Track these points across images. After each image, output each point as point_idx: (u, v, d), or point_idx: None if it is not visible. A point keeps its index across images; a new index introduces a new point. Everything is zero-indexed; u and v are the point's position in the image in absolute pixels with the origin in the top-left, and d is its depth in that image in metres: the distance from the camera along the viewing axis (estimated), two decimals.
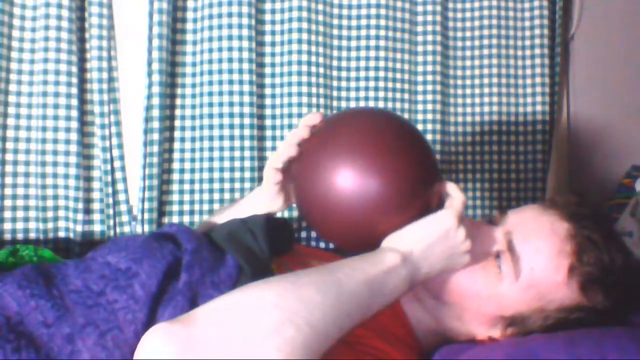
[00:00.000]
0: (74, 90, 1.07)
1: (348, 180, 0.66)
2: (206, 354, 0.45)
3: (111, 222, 1.09)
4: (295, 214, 1.16)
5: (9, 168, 1.06)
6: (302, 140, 0.72)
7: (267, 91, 1.17)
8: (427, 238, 0.64)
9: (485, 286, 0.70)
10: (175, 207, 1.13)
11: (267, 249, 0.70)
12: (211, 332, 0.47)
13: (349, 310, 0.54)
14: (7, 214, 1.06)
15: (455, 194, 0.69)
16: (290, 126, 1.16)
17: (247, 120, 1.12)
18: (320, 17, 1.17)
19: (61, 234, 1.08)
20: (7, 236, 1.06)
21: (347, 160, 0.67)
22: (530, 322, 0.71)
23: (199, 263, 0.65)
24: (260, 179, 1.03)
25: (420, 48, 1.22)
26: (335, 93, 1.19)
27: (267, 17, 1.17)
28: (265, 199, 0.79)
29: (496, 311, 0.71)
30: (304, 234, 1.17)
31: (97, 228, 1.10)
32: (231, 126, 1.12)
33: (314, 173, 0.69)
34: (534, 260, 0.69)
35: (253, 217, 0.75)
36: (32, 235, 1.07)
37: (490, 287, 0.70)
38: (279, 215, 1.09)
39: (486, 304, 0.71)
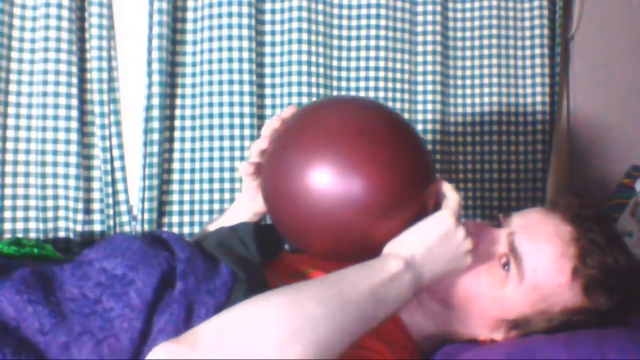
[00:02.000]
0: (74, 90, 1.07)
1: (323, 180, 0.58)
2: None
3: (111, 222, 1.09)
4: None
5: (9, 168, 1.06)
6: (273, 131, 0.68)
7: (267, 91, 1.17)
8: (427, 241, 0.62)
9: (490, 289, 0.70)
10: (175, 207, 1.13)
11: (257, 256, 0.70)
12: (215, 354, 0.46)
13: (353, 323, 0.53)
14: (7, 214, 1.06)
15: (450, 194, 0.67)
16: None
17: (247, 120, 1.12)
18: (320, 17, 1.17)
19: (61, 234, 1.08)
20: (7, 236, 1.06)
21: (322, 155, 0.59)
22: (533, 324, 0.70)
23: (193, 272, 0.64)
24: None
25: (420, 48, 1.22)
26: (335, 93, 1.19)
27: (267, 17, 1.17)
28: (245, 199, 0.78)
29: (500, 314, 0.71)
30: None
31: (97, 228, 1.10)
32: (231, 126, 1.12)
33: (280, 170, 0.61)
34: (537, 262, 0.69)
35: (241, 224, 0.75)
36: (32, 235, 1.07)
37: (495, 290, 0.70)
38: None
39: (490, 306, 0.70)
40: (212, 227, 0.83)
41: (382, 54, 1.18)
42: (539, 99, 1.24)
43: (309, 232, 0.62)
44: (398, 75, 1.20)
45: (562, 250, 0.69)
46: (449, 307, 0.72)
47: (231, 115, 1.12)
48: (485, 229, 0.73)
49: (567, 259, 0.69)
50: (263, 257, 0.71)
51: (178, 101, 1.14)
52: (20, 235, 1.07)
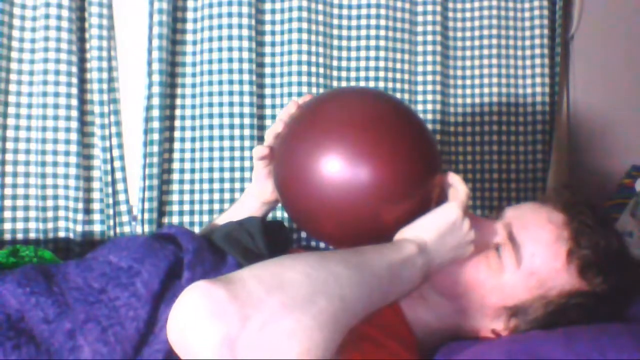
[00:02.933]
0: (74, 90, 1.07)
1: (333, 167, 0.62)
2: (246, 318, 0.44)
3: (111, 222, 1.09)
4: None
5: (9, 168, 1.06)
6: (289, 116, 0.71)
7: (267, 91, 1.17)
8: (437, 230, 0.65)
9: (489, 277, 0.71)
10: (175, 207, 1.13)
11: (265, 249, 0.71)
12: (251, 299, 0.46)
13: (372, 290, 0.55)
14: (7, 214, 1.06)
15: (459, 186, 0.70)
16: None
17: (247, 120, 1.13)
18: (320, 17, 1.17)
19: (61, 234, 1.08)
20: (7, 236, 1.06)
21: (333, 144, 0.62)
22: (531, 311, 0.72)
23: (200, 262, 0.65)
24: None
25: (420, 48, 1.22)
26: None
27: (267, 17, 1.17)
28: (255, 188, 0.80)
29: (500, 302, 0.72)
30: (304, 234, 1.17)
31: (97, 228, 1.10)
32: (231, 126, 1.12)
33: (293, 155, 0.64)
34: (534, 248, 0.71)
35: (249, 219, 0.77)
36: (32, 235, 1.07)
37: (494, 278, 0.71)
38: (275, 214, 1.09)
39: (490, 294, 0.72)
40: (221, 219, 0.84)
41: (382, 54, 1.18)
42: (539, 98, 1.24)
43: (319, 215, 0.64)
44: (398, 75, 1.20)
45: (556, 234, 0.71)
46: (450, 298, 0.73)
47: (231, 115, 1.12)
48: (481, 221, 0.74)
49: (562, 243, 0.71)
50: (270, 251, 0.72)
51: (178, 101, 1.14)
52: (20, 235, 1.07)
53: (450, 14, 1.25)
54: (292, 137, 0.67)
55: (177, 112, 1.14)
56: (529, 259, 0.71)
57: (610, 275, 0.70)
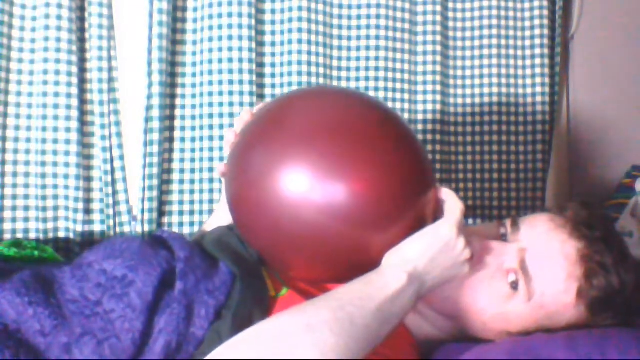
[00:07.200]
0: (74, 90, 1.07)
1: (294, 185, 0.48)
2: None
3: (111, 222, 1.09)
4: None
5: (9, 168, 1.06)
6: (243, 124, 0.64)
7: (267, 91, 1.17)
8: (428, 252, 0.61)
9: (494, 303, 0.69)
10: (175, 207, 1.13)
11: (255, 253, 0.69)
12: None
13: (361, 345, 0.53)
14: (7, 214, 1.06)
15: (453, 202, 0.64)
16: None
17: None
18: (320, 17, 1.17)
19: (61, 234, 1.08)
20: (7, 236, 1.06)
21: (294, 155, 0.49)
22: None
23: (192, 271, 0.65)
24: None
25: (420, 48, 1.22)
26: None
27: (267, 17, 1.17)
28: (224, 201, 0.78)
29: (502, 327, 0.70)
30: None
31: (97, 228, 1.10)
32: (231, 126, 1.12)
33: (245, 171, 0.53)
34: (545, 283, 0.69)
35: None
36: (32, 235, 1.07)
37: (499, 305, 0.69)
38: None
39: (492, 320, 0.70)
40: (209, 224, 0.84)
41: (382, 54, 1.18)
42: (539, 99, 1.24)
43: (284, 249, 0.54)
44: (398, 75, 1.20)
45: (569, 271, 0.68)
46: (449, 317, 0.72)
47: (231, 115, 1.12)
48: (493, 244, 0.71)
49: (574, 280, 0.68)
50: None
51: (178, 101, 1.14)
52: (20, 235, 1.07)
53: (450, 14, 1.25)
54: (244, 148, 0.55)
55: (177, 112, 1.14)
56: (539, 294, 0.68)
57: (620, 312, 0.69)
